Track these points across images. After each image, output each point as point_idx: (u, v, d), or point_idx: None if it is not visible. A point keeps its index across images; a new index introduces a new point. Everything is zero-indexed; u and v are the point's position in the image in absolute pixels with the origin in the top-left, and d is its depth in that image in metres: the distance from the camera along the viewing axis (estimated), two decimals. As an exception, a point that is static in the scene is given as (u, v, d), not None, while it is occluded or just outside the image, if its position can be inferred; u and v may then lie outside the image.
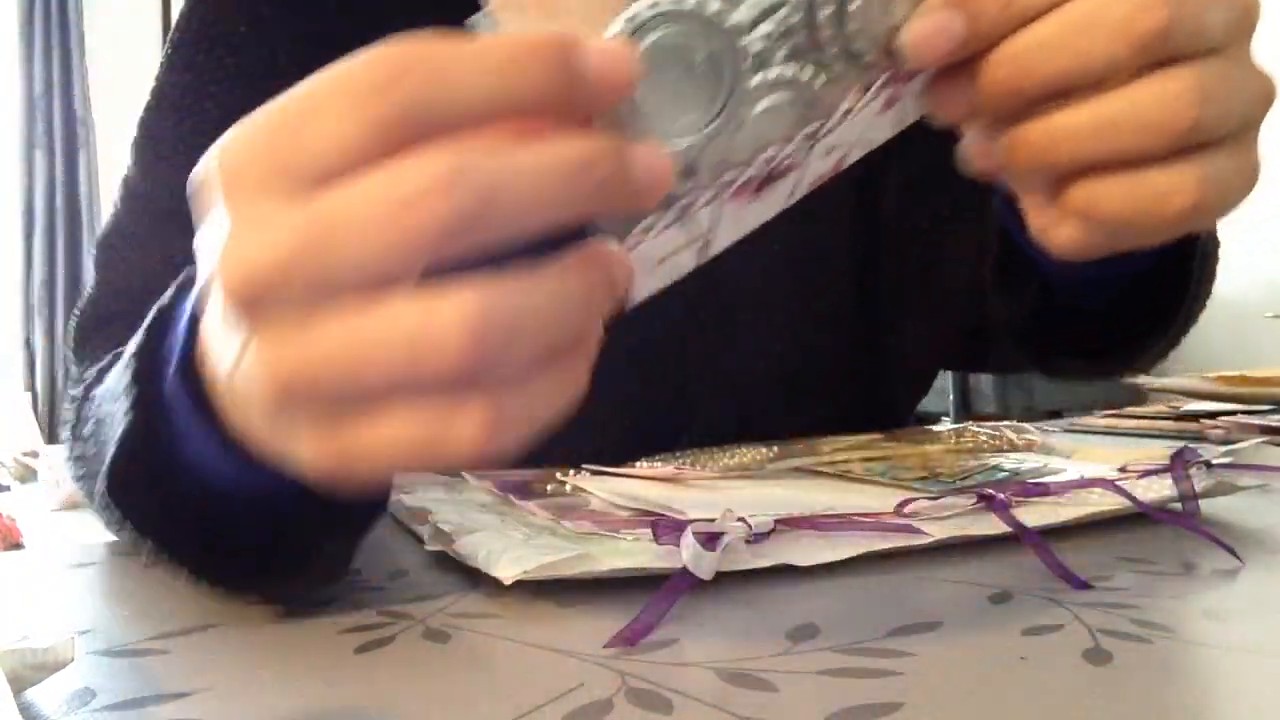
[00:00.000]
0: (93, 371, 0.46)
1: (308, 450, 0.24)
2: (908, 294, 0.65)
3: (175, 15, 0.64)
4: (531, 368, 0.23)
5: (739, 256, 0.59)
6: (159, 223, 0.56)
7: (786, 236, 0.58)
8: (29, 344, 3.68)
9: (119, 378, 0.35)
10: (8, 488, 2.56)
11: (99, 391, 0.40)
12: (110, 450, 0.34)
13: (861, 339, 0.65)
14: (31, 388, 3.65)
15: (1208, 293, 0.55)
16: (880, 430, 0.72)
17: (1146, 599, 0.33)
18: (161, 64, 0.60)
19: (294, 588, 0.36)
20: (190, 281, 0.32)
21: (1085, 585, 0.34)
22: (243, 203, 0.23)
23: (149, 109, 0.60)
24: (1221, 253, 0.54)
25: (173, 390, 0.32)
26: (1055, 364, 0.61)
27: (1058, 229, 0.34)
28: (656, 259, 0.28)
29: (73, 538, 2.06)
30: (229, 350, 0.25)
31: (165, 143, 0.59)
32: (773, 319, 0.61)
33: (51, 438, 3.52)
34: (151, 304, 0.36)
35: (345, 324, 0.22)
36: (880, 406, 0.68)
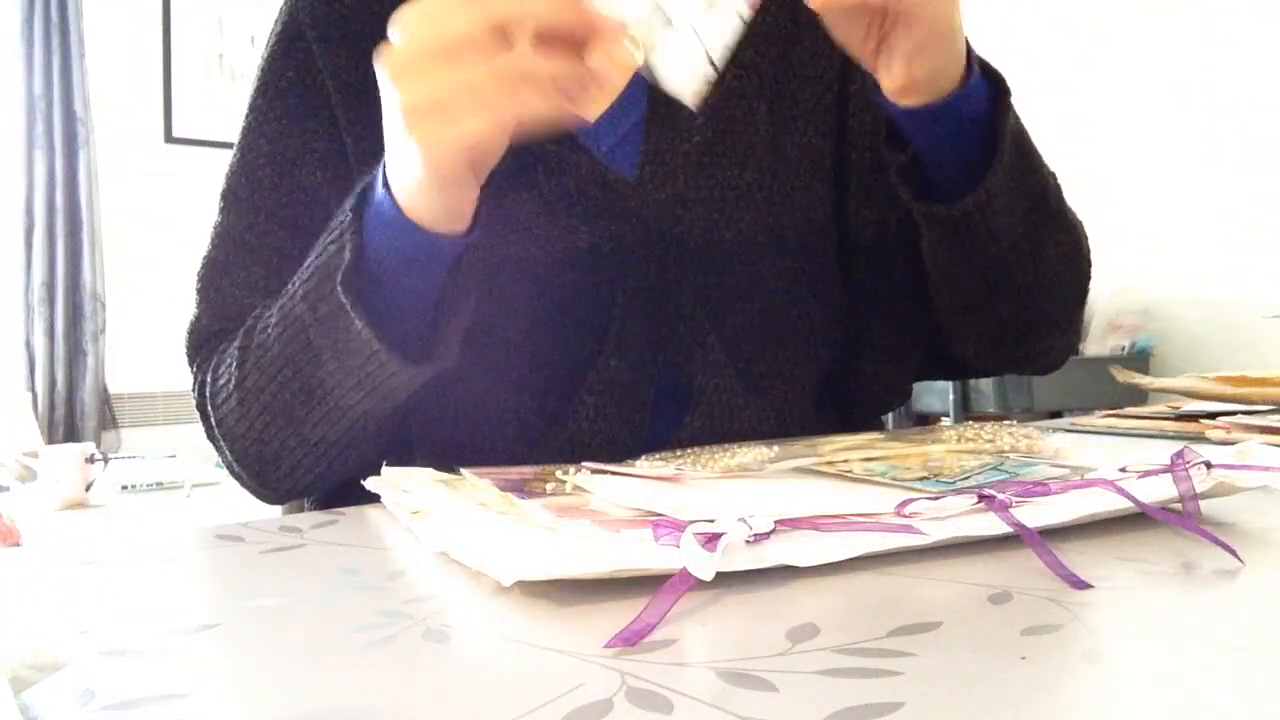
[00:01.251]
0: (222, 358, 0.65)
1: (425, 142, 0.47)
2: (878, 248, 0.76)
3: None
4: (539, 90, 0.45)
5: (731, 229, 0.72)
6: (239, 253, 0.70)
7: (770, 218, 0.72)
8: (29, 344, 3.68)
9: (330, 233, 0.56)
10: (7, 488, 2.55)
11: (272, 313, 0.60)
12: (344, 259, 0.54)
13: (839, 292, 0.76)
14: (31, 388, 3.65)
15: (1032, 168, 0.66)
16: (872, 414, 0.81)
17: (1146, 599, 0.33)
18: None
19: (429, 365, 0.57)
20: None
21: (1085, 585, 0.34)
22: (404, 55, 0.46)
23: (234, 150, 0.73)
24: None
25: (377, 200, 0.54)
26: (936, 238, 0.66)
27: (890, 76, 0.54)
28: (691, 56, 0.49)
29: (73, 538, 2.06)
30: (394, 126, 0.48)
31: (235, 182, 0.71)
32: (759, 272, 0.72)
33: (51, 438, 3.52)
34: (242, 322, 0.64)
35: (452, 68, 0.45)
36: (861, 354, 0.78)
